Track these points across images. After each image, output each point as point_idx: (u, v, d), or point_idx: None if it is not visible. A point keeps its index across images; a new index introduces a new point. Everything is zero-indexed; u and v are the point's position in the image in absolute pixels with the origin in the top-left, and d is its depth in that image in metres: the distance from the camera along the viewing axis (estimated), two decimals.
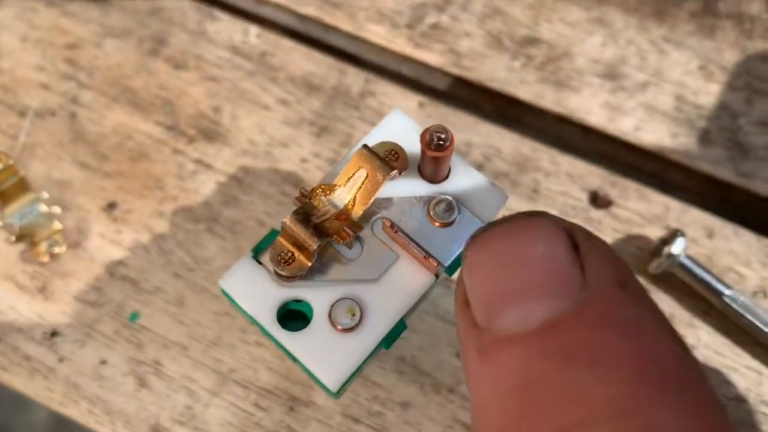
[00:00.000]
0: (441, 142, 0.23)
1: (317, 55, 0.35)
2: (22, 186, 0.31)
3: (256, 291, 0.24)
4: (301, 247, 0.23)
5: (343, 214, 0.24)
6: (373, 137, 0.26)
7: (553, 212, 0.32)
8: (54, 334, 0.30)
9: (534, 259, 0.18)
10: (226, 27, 0.35)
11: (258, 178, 0.32)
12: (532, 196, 0.32)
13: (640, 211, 0.32)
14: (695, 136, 0.34)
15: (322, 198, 0.24)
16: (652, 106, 0.34)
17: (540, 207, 0.32)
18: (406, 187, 0.25)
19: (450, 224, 0.25)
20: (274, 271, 0.24)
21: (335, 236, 0.24)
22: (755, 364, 0.30)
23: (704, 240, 0.32)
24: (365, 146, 0.24)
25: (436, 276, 0.25)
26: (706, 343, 0.30)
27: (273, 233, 0.25)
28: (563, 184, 0.32)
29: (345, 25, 0.36)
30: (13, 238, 0.31)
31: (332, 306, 0.24)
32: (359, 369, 0.24)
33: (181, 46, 0.34)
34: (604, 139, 0.34)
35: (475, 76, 0.35)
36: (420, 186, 0.25)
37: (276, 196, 0.32)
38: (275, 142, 0.33)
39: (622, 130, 0.34)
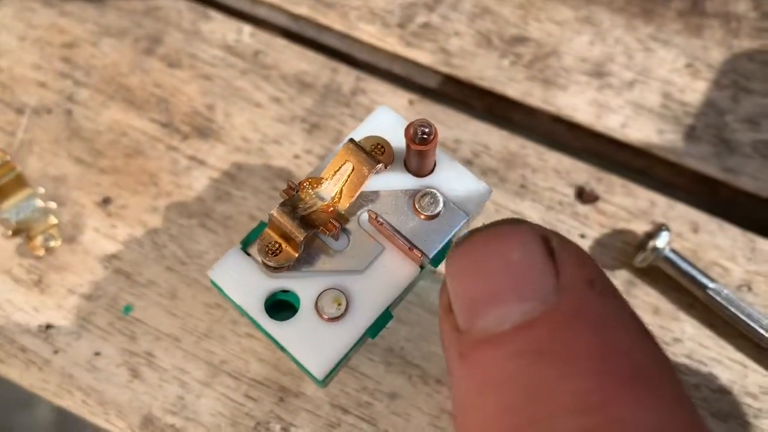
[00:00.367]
0: (425, 136, 0.24)
1: (310, 54, 0.35)
2: (19, 181, 0.32)
3: (245, 282, 0.25)
4: (288, 238, 0.24)
5: (330, 207, 0.25)
6: (360, 132, 0.26)
7: (541, 208, 0.32)
8: (49, 326, 0.30)
9: (511, 264, 0.19)
10: (220, 26, 0.36)
11: (251, 174, 0.33)
12: (519, 192, 0.33)
13: (626, 206, 0.33)
14: (682, 132, 0.34)
15: (309, 191, 0.25)
16: (639, 104, 0.35)
17: (527, 203, 0.33)
18: (392, 181, 0.26)
19: (435, 217, 0.25)
20: (262, 261, 0.24)
21: (322, 228, 0.24)
22: (739, 356, 0.30)
23: (690, 234, 0.32)
24: (351, 140, 0.25)
25: (421, 267, 0.25)
26: (690, 336, 0.31)
27: (262, 225, 0.26)
28: (550, 180, 0.33)
29: (337, 24, 0.36)
30: (10, 233, 0.31)
31: (319, 296, 0.24)
32: (345, 358, 0.24)
33: (176, 45, 0.35)
34: (592, 136, 0.35)
35: (465, 75, 0.35)
36: (406, 180, 0.26)
37: (268, 192, 0.32)
38: (268, 139, 0.33)
39: (609, 127, 0.34)
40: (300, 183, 0.25)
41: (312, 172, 0.26)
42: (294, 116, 0.34)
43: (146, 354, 0.30)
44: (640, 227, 0.32)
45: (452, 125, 0.34)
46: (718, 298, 0.30)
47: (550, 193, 0.33)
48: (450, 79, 0.36)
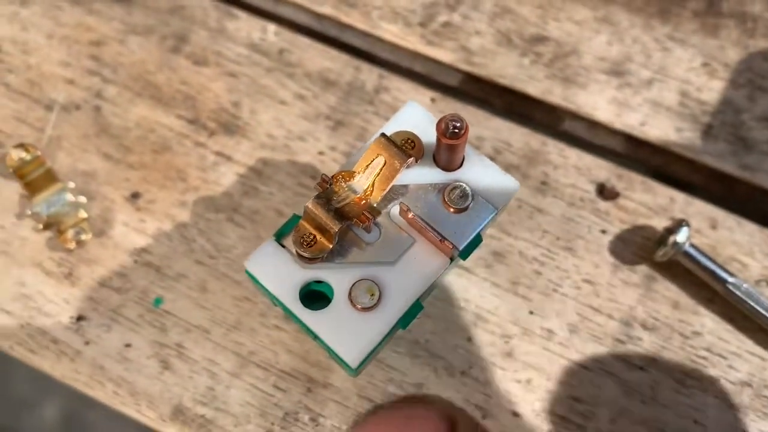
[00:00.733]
0: (456, 130, 0.25)
1: (333, 52, 0.36)
2: (49, 176, 0.32)
3: (280, 272, 0.25)
4: (322, 229, 0.25)
5: (362, 199, 0.25)
6: (390, 127, 0.27)
7: (562, 204, 0.33)
8: (80, 318, 0.31)
9: None
10: (245, 25, 0.36)
11: (276, 169, 0.33)
12: (541, 188, 0.33)
13: (646, 203, 0.33)
14: (699, 130, 0.35)
15: (342, 184, 0.25)
16: (657, 102, 0.35)
17: (549, 199, 0.33)
18: (422, 175, 0.26)
19: (464, 210, 0.26)
20: (297, 252, 0.25)
21: (355, 220, 0.25)
22: (758, 350, 0.31)
23: (708, 231, 0.33)
24: (383, 135, 0.26)
25: (451, 259, 0.26)
26: (710, 330, 0.31)
27: (294, 218, 0.26)
28: (571, 177, 0.34)
29: (360, 23, 0.37)
30: (41, 226, 0.32)
31: (352, 286, 0.25)
32: (378, 347, 0.25)
33: (202, 43, 0.36)
34: (611, 133, 0.35)
35: (486, 73, 0.36)
36: (435, 174, 0.27)
37: (294, 187, 0.33)
38: (293, 135, 0.34)
39: (628, 125, 0.35)
40: (333, 176, 0.25)
41: (344, 165, 0.26)
42: (318, 113, 0.34)
43: (176, 345, 0.30)
44: (660, 223, 0.33)
45: (474, 123, 0.34)
46: (737, 293, 0.31)
47: (572, 189, 0.33)
48: (471, 78, 0.36)
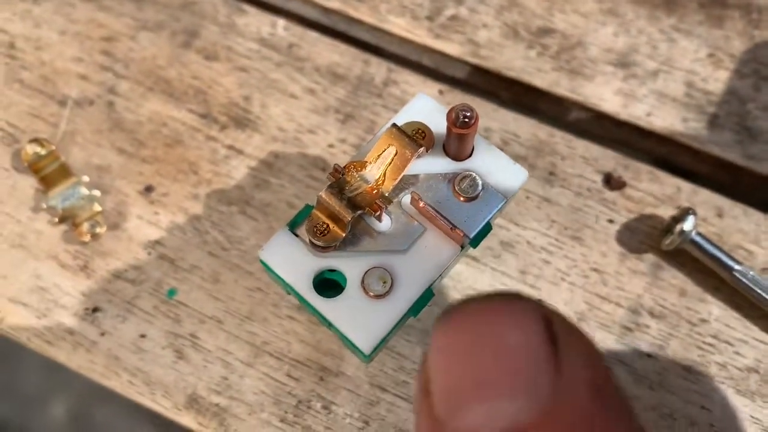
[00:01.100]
0: (466, 120, 0.25)
1: (342, 47, 0.36)
2: (64, 171, 0.33)
3: (294, 261, 0.26)
4: (335, 218, 0.25)
5: (374, 189, 0.26)
6: (400, 118, 0.27)
7: (569, 194, 0.33)
8: (96, 309, 0.31)
9: (506, 350, 0.16)
10: (254, 20, 0.37)
11: (287, 162, 0.34)
12: (549, 179, 0.34)
13: (652, 192, 0.34)
14: (705, 121, 0.35)
15: (355, 174, 0.26)
16: (663, 93, 0.35)
17: (556, 189, 0.33)
18: (432, 165, 0.27)
19: (474, 198, 0.26)
20: (310, 241, 0.25)
21: (367, 209, 0.25)
22: (765, 336, 0.31)
23: (714, 219, 0.33)
24: (395, 125, 0.26)
25: (462, 247, 0.26)
26: (717, 317, 0.31)
27: (307, 208, 0.27)
28: (578, 167, 0.34)
29: (368, 17, 0.37)
30: (56, 220, 0.32)
31: (365, 274, 0.25)
32: (390, 334, 0.25)
33: (212, 39, 0.36)
34: (618, 124, 0.36)
35: (493, 65, 0.36)
36: (445, 163, 0.27)
37: (305, 180, 0.33)
38: (303, 128, 0.34)
39: (634, 116, 0.35)
40: (345, 166, 0.26)
41: (355, 155, 0.27)
42: (328, 107, 0.35)
43: (190, 336, 0.31)
44: (667, 212, 0.33)
45: (482, 114, 0.35)
46: (744, 280, 0.31)
47: (579, 179, 0.34)
48: (478, 70, 0.37)
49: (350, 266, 0.26)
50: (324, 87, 0.35)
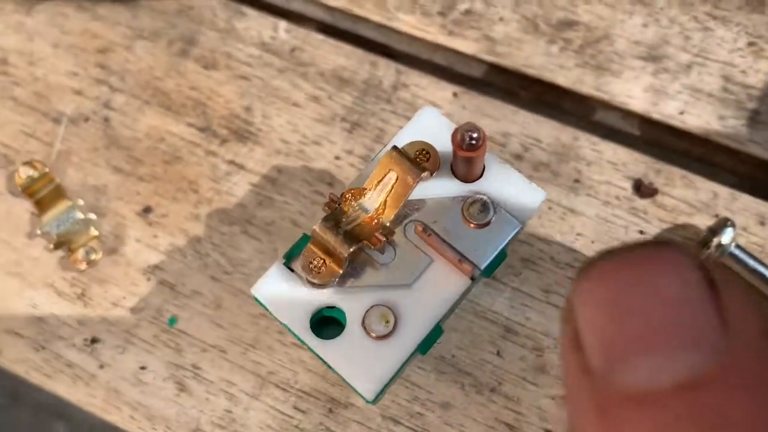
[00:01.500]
0: (473, 142, 0.23)
1: (347, 48, 0.34)
2: (59, 193, 0.31)
3: (289, 298, 0.24)
4: (331, 254, 0.23)
5: (374, 219, 0.24)
6: (404, 136, 0.25)
7: (597, 203, 0.31)
8: (94, 340, 0.30)
9: (668, 300, 0.15)
10: (255, 24, 0.34)
11: (291, 177, 0.32)
12: (574, 187, 0.31)
13: (687, 199, 0.31)
14: (744, 118, 0.32)
15: (352, 203, 0.24)
16: (697, 88, 0.32)
17: (582, 198, 0.31)
18: (440, 188, 0.25)
19: (485, 225, 0.24)
20: (306, 279, 0.23)
21: (365, 242, 0.23)
22: None
23: (756, 228, 0.30)
24: (395, 148, 0.24)
25: (472, 279, 0.24)
26: None
27: (305, 239, 0.25)
28: (606, 173, 0.31)
29: (375, 15, 0.35)
30: (52, 246, 0.31)
31: (365, 313, 0.23)
32: (395, 376, 0.23)
33: (211, 45, 0.34)
34: (648, 124, 0.33)
35: (511, 63, 0.34)
36: (454, 186, 0.25)
37: (310, 196, 0.31)
38: (307, 140, 0.32)
39: (666, 115, 0.32)
40: (342, 195, 0.24)
41: (354, 181, 0.24)
42: (334, 115, 0.33)
43: (192, 366, 0.29)
44: (703, 221, 0.30)
45: (499, 117, 0.32)
46: None
47: (606, 187, 0.31)
48: (495, 69, 0.34)
49: (350, 303, 0.24)
50: (329, 93, 0.33)
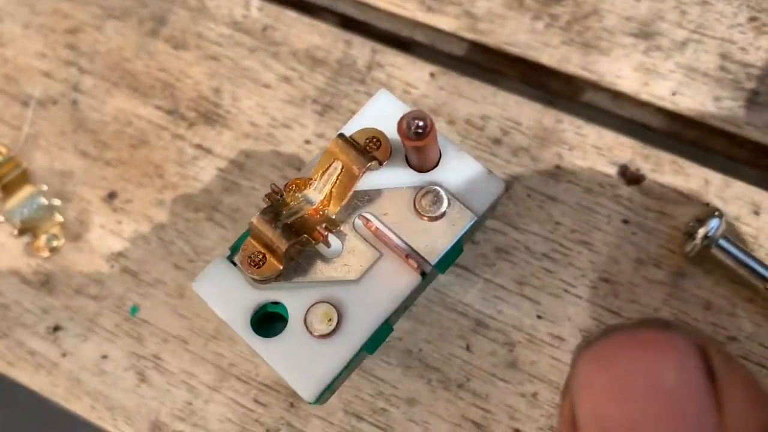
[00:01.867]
0: (419, 131, 0.21)
1: (322, 26, 0.32)
2: (24, 179, 0.31)
3: (230, 294, 0.23)
4: (271, 248, 0.22)
5: (319, 211, 0.22)
6: (357, 122, 0.24)
7: (578, 190, 0.29)
8: (57, 328, 0.29)
9: (664, 390, 0.15)
10: (226, 1, 0.33)
11: (259, 162, 0.31)
12: (554, 173, 0.29)
13: (676, 186, 0.29)
14: (742, 99, 0.30)
15: (296, 194, 0.22)
16: (692, 67, 0.30)
17: (563, 185, 0.29)
18: (392, 177, 0.23)
19: (439, 218, 0.23)
20: (246, 273, 0.22)
21: (306, 236, 0.22)
22: None
23: (749, 217, 0.28)
24: (341, 135, 0.22)
25: (423, 274, 0.23)
26: (748, 334, 0.27)
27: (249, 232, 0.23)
28: (589, 158, 0.29)
29: None
30: (16, 232, 0.30)
31: (307, 311, 0.22)
32: (339, 377, 0.22)
33: (181, 25, 0.33)
34: (638, 105, 0.31)
35: (494, 41, 0.32)
36: (407, 175, 0.23)
37: (278, 181, 0.30)
38: (277, 123, 0.31)
39: (657, 95, 0.30)
40: (286, 185, 0.22)
41: (303, 170, 0.23)
42: (305, 96, 0.31)
43: (153, 357, 0.29)
44: (692, 210, 0.28)
45: (478, 99, 0.31)
46: None
47: (589, 173, 0.29)
48: (477, 47, 0.32)
49: (294, 300, 0.22)
50: (301, 74, 0.32)
